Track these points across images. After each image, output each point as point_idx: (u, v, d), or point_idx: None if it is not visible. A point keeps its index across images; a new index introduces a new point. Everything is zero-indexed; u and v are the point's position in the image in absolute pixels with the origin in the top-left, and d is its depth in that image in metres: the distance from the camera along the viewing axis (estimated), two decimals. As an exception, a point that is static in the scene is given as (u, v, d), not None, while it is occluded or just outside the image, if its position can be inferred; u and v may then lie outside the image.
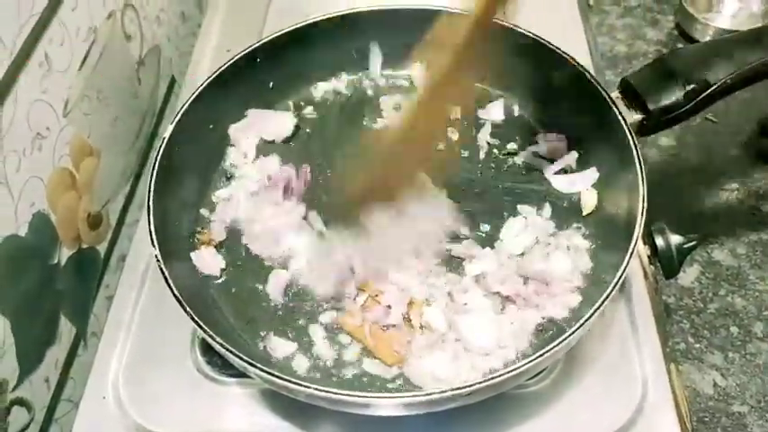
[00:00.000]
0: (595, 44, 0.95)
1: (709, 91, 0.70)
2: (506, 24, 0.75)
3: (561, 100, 0.76)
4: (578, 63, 0.72)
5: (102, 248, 0.82)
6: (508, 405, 0.63)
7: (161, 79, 0.98)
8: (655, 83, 0.70)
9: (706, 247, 1.44)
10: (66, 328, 0.73)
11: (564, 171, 0.75)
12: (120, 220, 0.87)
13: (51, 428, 0.70)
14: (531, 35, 0.75)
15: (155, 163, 0.66)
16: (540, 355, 0.53)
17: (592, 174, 0.72)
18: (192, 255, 0.68)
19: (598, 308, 0.55)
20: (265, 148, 0.79)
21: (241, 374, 0.62)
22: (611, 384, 0.64)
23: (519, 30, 0.76)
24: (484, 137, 0.78)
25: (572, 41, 0.88)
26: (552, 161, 0.75)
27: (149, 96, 0.94)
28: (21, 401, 0.65)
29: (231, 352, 0.53)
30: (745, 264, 1.42)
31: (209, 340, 0.54)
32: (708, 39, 1.75)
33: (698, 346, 1.32)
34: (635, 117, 0.70)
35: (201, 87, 0.72)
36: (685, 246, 0.75)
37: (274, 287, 0.67)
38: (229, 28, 1.00)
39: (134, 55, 0.89)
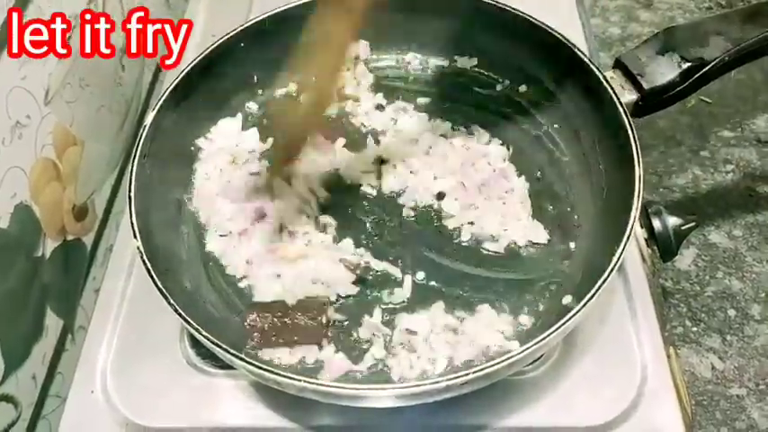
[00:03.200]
0: (589, 26, 0.94)
1: (705, 69, 0.69)
2: (499, 5, 0.74)
3: (554, 81, 0.75)
4: (572, 43, 0.71)
5: (88, 240, 0.80)
6: (506, 391, 0.62)
7: (146, 66, 0.96)
8: (649, 62, 0.69)
9: (702, 230, 1.44)
10: (52, 322, 0.72)
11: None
12: (107, 210, 0.85)
13: (39, 424, 0.69)
14: (524, 15, 0.74)
15: (135, 151, 0.64)
16: (536, 343, 0.52)
17: None
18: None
19: (595, 292, 0.54)
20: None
21: (231, 366, 0.61)
22: (611, 369, 0.64)
23: (512, 10, 0.74)
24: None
25: (565, 23, 0.86)
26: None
27: (134, 84, 0.92)
28: (7, 398, 0.64)
29: (217, 345, 0.52)
30: (741, 246, 1.42)
31: (195, 333, 0.53)
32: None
33: (695, 329, 1.32)
34: (630, 97, 0.68)
35: (183, 73, 0.70)
36: (683, 228, 0.74)
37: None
38: (214, 13, 0.98)
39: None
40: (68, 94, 0.74)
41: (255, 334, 0.61)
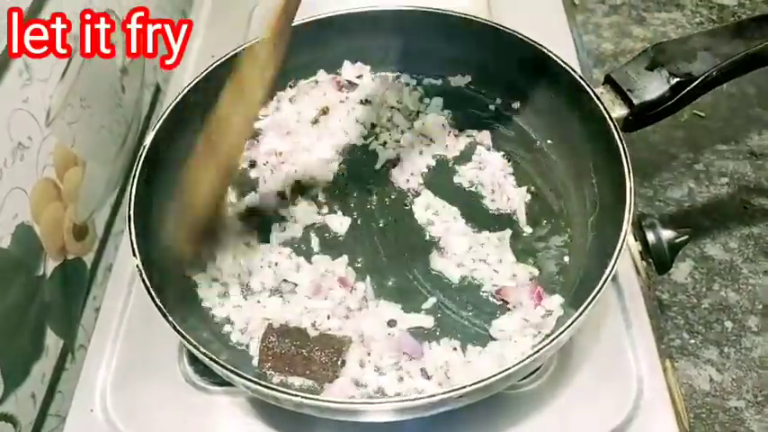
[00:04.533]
0: (581, 42, 0.95)
1: (694, 84, 0.70)
2: (492, 24, 0.75)
3: (547, 98, 0.76)
4: (563, 60, 0.72)
5: (88, 259, 0.81)
6: (503, 405, 0.63)
7: (146, 87, 0.97)
8: (639, 78, 0.70)
9: (698, 242, 1.44)
10: (52, 341, 0.72)
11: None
12: (107, 230, 0.86)
13: (39, 443, 0.69)
14: (516, 33, 0.75)
15: (135, 171, 0.65)
16: (530, 356, 0.52)
17: None
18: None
19: (588, 304, 0.55)
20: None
21: (230, 383, 0.62)
22: (607, 382, 0.64)
23: (503, 29, 0.76)
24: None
25: (557, 40, 0.88)
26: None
27: (134, 105, 0.93)
28: (6, 417, 0.64)
29: (216, 362, 0.53)
30: (737, 258, 1.43)
31: (193, 350, 0.53)
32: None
33: (693, 341, 1.32)
34: (620, 112, 0.70)
35: (183, 93, 0.71)
36: (677, 240, 0.74)
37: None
38: (213, 35, 0.99)
39: (117, 63, 0.88)
40: (69, 115, 0.76)
41: (270, 357, 0.60)
